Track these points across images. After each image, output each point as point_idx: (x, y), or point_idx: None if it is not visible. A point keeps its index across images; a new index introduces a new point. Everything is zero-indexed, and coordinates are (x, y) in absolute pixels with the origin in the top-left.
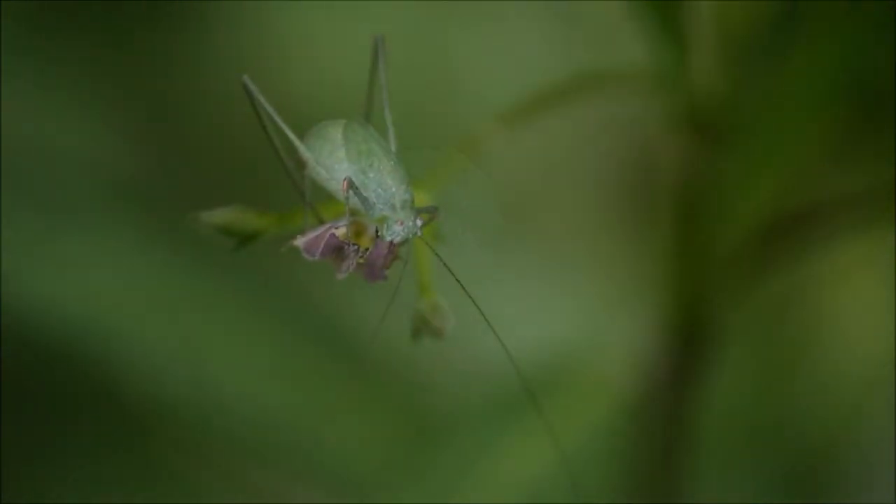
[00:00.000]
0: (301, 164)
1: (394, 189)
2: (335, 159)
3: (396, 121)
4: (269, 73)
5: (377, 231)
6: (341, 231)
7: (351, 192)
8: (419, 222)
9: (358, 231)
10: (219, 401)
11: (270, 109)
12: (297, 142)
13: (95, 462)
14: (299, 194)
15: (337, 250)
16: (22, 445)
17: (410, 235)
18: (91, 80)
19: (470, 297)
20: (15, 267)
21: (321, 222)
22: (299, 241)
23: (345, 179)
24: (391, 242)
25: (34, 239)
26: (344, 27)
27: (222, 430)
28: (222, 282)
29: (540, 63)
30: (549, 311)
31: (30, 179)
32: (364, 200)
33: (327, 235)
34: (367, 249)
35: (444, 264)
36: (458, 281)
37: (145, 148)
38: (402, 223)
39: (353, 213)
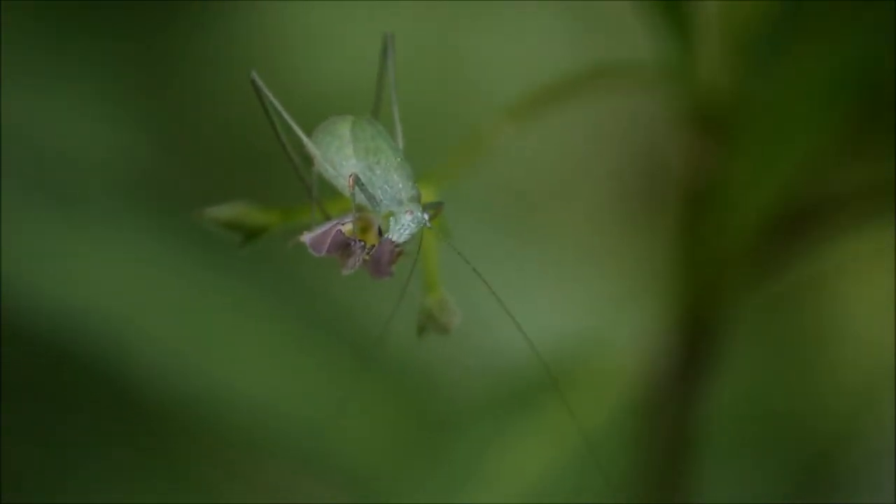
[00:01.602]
0: (308, 161)
1: (400, 185)
2: (343, 156)
3: (404, 117)
4: (277, 68)
5: (382, 228)
6: (348, 227)
7: (357, 188)
8: (427, 215)
9: (365, 227)
10: (226, 396)
11: (278, 105)
12: (304, 138)
13: (100, 458)
14: (306, 190)
15: (343, 247)
16: (28, 443)
17: (420, 226)
18: (99, 75)
19: (491, 289)
20: (23, 264)
21: (328, 218)
22: (305, 238)
23: (350, 175)
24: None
25: (42, 236)
26: (354, 22)
27: (229, 424)
28: (232, 279)
29: (547, 58)
30: (557, 306)
31: (37, 176)
32: (371, 197)
33: (334, 232)
34: (373, 246)
35: (460, 254)
36: (477, 272)
37: (154, 144)
38: (411, 213)
39: (360, 209)
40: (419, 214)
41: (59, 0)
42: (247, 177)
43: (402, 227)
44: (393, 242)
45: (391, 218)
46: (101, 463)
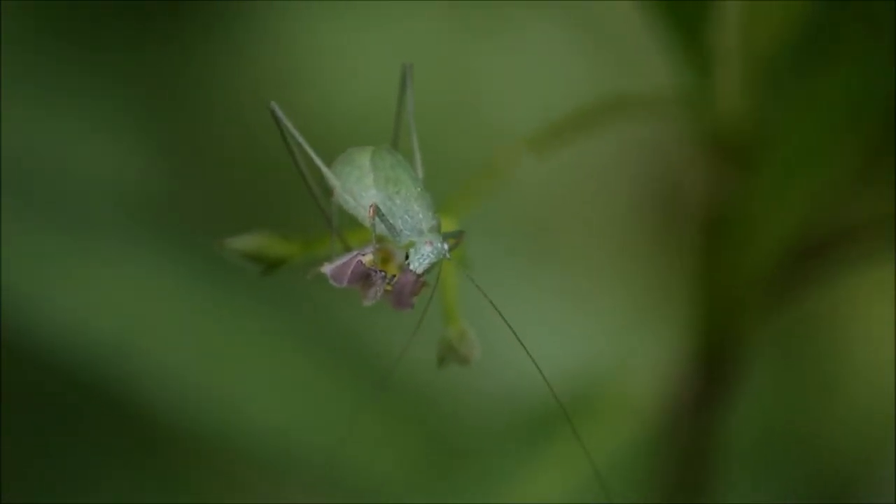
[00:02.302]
0: (328, 191)
1: (420, 215)
2: (362, 186)
3: (422, 146)
4: (295, 95)
5: (406, 257)
6: (368, 258)
7: (377, 218)
8: (446, 245)
9: (385, 258)
10: (240, 421)
11: (298, 135)
12: (324, 168)
13: (109, 479)
14: (326, 221)
15: (364, 277)
16: (35, 464)
17: (439, 257)
18: (114, 96)
19: (506, 322)
20: (33, 286)
21: (348, 249)
22: (326, 269)
23: (371, 206)
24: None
25: (51, 258)
26: (371, 51)
27: (243, 449)
28: (245, 302)
29: (565, 87)
30: (574, 333)
31: (46, 197)
32: (391, 227)
33: (354, 262)
34: (393, 276)
35: (479, 288)
36: (494, 306)
37: (169, 167)
38: (430, 243)
39: (380, 239)
40: (439, 245)
41: (69, 20)
42: (265, 200)
43: (422, 258)
44: (414, 273)
45: (411, 248)
46: (110, 483)
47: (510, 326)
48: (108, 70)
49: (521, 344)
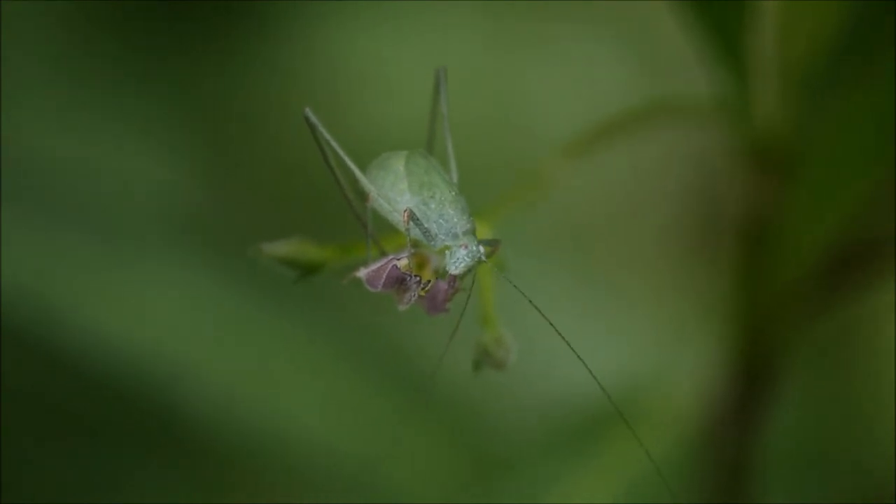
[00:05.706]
0: (363, 196)
1: (455, 220)
2: (397, 191)
3: (460, 155)
4: (331, 105)
5: (438, 263)
6: (403, 262)
7: (412, 223)
8: (482, 248)
9: (420, 262)
10: (280, 431)
11: (332, 141)
12: (358, 174)
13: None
14: (361, 226)
15: (399, 282)
16: (81, 479)
17: (475, 260)
18: (157, 109)
19: (551, 323)
20: (77, 297)
21: (383, 254)
22: (361, 273)
23: (405, 210)
24: (454, 275)
25: (95, 269)
26: (409, 62)
27: (282, 459)
28: (284, 313)
29: (604, 97)
30: (612, 343)
31: (91, 208)
32: (426, 232)
33: (389, 267)
34: (428, 281)
35: (519, 289)
36: (536, 307)
37: (210, 178)
38: (466, 246)
39: (415, 244)
40: (474, 248)
41: (109, 34)
42: (296, 212)
43: (458, 261)
44: (449, 278)
45: (447, 252)
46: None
47: (553, 326)
48: (151, 84)
49: (568, 344)
